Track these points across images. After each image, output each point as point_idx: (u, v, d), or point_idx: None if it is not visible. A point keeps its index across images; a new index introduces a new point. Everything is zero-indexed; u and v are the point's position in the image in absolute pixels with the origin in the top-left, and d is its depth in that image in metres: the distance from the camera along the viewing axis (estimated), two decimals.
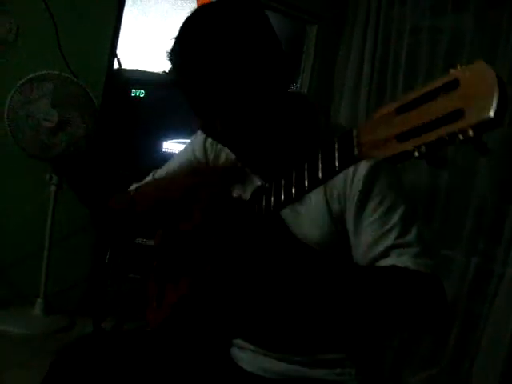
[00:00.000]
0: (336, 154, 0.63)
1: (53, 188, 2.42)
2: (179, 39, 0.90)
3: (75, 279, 2.61)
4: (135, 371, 1.01)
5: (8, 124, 2.26)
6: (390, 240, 0.89)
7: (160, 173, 1.25)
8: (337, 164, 0.63)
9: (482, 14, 2.42)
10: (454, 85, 0.50)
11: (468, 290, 2.27)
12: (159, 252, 1.16)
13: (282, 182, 0.74)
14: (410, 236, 0.90)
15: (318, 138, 0.99)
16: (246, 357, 1.06)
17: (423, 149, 0.51)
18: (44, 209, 2.42)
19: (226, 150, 1.13)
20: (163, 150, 2.61)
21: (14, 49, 2.42)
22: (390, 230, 0.90)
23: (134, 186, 1.29)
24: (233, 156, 1.06)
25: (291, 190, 0.72)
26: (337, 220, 0.95)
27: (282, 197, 0.74)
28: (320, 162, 0.66)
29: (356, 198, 0.92)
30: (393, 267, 0.87)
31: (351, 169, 0.90)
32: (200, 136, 1.19)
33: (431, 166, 0.53)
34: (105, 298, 2.49)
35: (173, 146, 2.57)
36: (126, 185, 1.30)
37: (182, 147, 1.31)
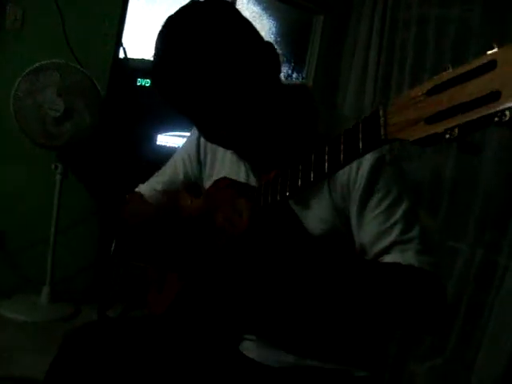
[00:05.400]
0: (360, 136, 0.61)
1: (58, 177, 2.42)
2: (165, 57, 0.87)
3: (81, 267, 2.63)
4: (140, 357, 1.02)
5: (14, 113, 2.26)
6: (392, 236, 0.88)
7: (158, 180, 1.25)
8: (361, 146, 0.61)
9: (489, 5, 2.40)
10: (490, 66, 0.48)
11: (473, 281, 2.26)
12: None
13: (300, 166, 0.72)
14: (413, 232, 0.89)
15: (319, 129, 0.97)
16: (252, 346, 1.05)
17: (456, 131, 0.50)
18: (49, 197, 2.43)
19: (221, 152, 1.13)
20: (168, 142, 2.62)
21: (19, 37, 2.41)
22: (393, 226, 0.88)
23: (139, 188, 1.29)
24: (232, 157, 1.07)
25: (309, 174, 0.70)
26: (340, 212, 0.94)
27: (300, 182, 0.72)
28: (342, 144, 0.65)
29: (360, 191, 0.90)
30: (396, 264, 0.86)
31: (355, 161, 0.89)
32: (192, 138, 1.20)
33: (464, 153, 0.51)
34: (110, 286, 2.50)
35: (176, 140, 2.58)
36: (130, 176, 1.30)
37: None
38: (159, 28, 0.89)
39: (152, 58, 0.89)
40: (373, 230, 0.90)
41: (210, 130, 0.94)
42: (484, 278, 2.24)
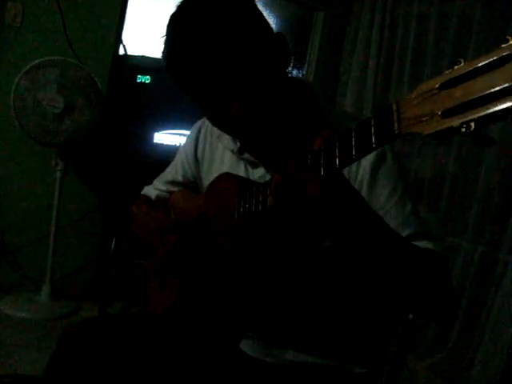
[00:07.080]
0: (373, 130, 0.61)
1: (58, 174, 2.42)
2: (178, 37, 0.88)
3: (81, 264, 2.63)
4: (140, 353, 1.01)
5: (14, 110, 2.26)
6: (409, 230, 0.88)
7: (162, 180, 1.29)
8: (373, 140, 0.61)
9: (490, 1, 2.40)
10: (505, 60, 0.48)
11: (473, 278, 2.27)
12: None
13: (309, 161, 0.71)
14: (427, 225, 0.89)
15: (324, 125, 0.98)
16: (252, 344, 1.05)
17: (472, 125, 0.49)
18: (50, 194, 2.43)
19: (220, 150, 1.13)
20: (166, 140, 2.61)
21: (19, 34, 2.41)
22: (407, 220, 0.89)
23: (145, 190, 1.30)
24: (232, 155, 1.06)
25: (319, 170, 0.69)
26: None
27: None
28: (353, 138, 0.64)
29: (364, 185, 0.90)
30: (425, 248, 0.86)
31: None
32: (191, 138, 1.21)
33: (477, 146, 0.51)
34: (111, 284, 2.50)
35: (175, 138, 2.57)
36: (128, 173, 1.31)
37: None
38: (172, 11, 0.90)
39: (162, 42, 0.90)
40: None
41: (219, 116, 0.94)
42: (484, 275, 2.24)
